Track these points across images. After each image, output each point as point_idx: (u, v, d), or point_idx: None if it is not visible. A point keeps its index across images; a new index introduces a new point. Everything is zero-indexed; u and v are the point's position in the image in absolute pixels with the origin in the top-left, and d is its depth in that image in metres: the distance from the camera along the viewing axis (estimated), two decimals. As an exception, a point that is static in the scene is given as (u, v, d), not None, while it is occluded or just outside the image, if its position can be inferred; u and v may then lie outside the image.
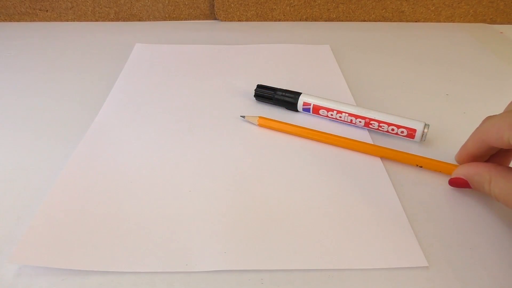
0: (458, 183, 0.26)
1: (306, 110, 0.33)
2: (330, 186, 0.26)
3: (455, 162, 0.27)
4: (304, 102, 0.33)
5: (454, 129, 0.32)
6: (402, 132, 0.30)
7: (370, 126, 0.31)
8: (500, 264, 0.22)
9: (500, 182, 0.23)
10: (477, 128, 0.25)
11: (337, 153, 0.29)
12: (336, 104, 0.32)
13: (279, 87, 0.35)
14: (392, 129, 0.30)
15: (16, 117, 0.33)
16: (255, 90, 0.35)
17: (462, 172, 0.25)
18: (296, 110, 0.34)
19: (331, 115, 0.32)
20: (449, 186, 0.26)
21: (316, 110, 0.33)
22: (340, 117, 0.32)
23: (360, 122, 0.31)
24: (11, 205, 0.25)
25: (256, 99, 0.36)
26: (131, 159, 0.28)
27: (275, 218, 0.24)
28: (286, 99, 0.34)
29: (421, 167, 0.28)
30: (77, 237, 0.22)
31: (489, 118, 0.24)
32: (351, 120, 0.31)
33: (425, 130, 0.29)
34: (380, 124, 0.30)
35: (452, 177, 0.26)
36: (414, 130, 0.29)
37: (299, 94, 0.33)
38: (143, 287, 0.20)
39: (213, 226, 0.23)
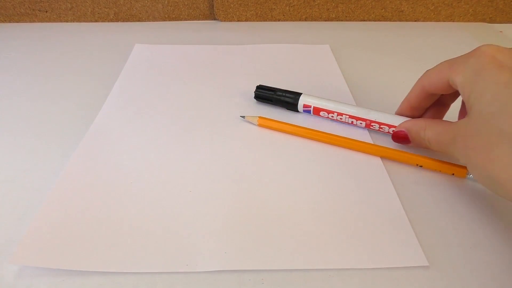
0: (399, 137, 0.28)
1: (307, 111, 0.33)
2: (330, 186, 0.26)
3: (455, 162, 0.27)
4: (304, 104, 0.33)
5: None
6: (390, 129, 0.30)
7: (371, 127, 0.31)
8: (501, 263, 0.22)
9: (433, 126, 0.26)
10: (420, 77, 0.27)
11: (337, 153, 0.29)
12: (336, 106, 0.32)
13: (279, 87, 0.35)
14: (393, 131, 0.30)
15: (15, 118, 0.33)
16: (255, 91, 0.35)
17: (403, 125, 0.28)
18: (297, 111, 0.34)
19: (332, 116, 0.32)
20: (393, 142, 0.29)
21: (316, 111, 0.33)
22: (341, 118, 0.32)
23: (361, 123, 0.31)
24: (11, 206, 0.25)
25: (256, 100, 0.35)
26: (131, 160, 0.28)
27: (275, 218, 0.24)
28: (286, 100, 0.34)
29: (421, 166, 0.28)
30: (78, 238, 0.22)
31: (429, 69, 0.26)
32: (352, 121, 0.31)
33: None
34: (381, 126, 0.30)
35: (395, 130, 0.29)
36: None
37: (299, 94, 0.33)
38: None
39: (214, 226, 0.23)
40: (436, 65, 0.26)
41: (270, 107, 0.35)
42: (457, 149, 0.23)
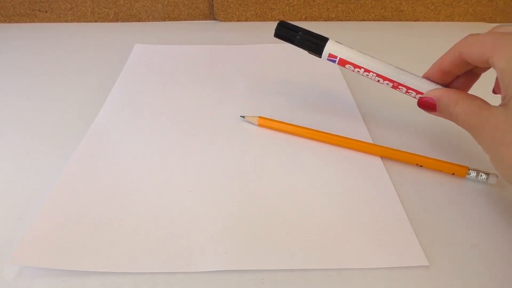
0: (426, 105, 0.27)
1: (332, 60, 0.30)
2: (330, 185, 0.26)
3: (456, 162, 0.27)
4: (330, 54, 0.30)
5: (454, 127, 0.32)
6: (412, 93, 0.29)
7: (398, 89, 0.29)
8: (501, 263, 0.22)
9: (465, 103, 0.24)
10: (459, 41, 0.25)
11: (337, 152, 0.29)
12: (366, 61, 0.29)
13: (302, 27, 0.31)
14: (421, 97, 0.28)
15: (15, 118, 0.33)
16: (276, 28, 0.31)
17: (433, 93, 0.27)
18: (320, 56, 0.31)
19: (358, 71, 0.30)
20: (418, 107, 0.27)
21: (342, 63, 0.30)
22: (367, 75, 0.30)
23: (387, 84, 0.29)
24: (12, 206, 0.25)
25: (276, 37, 0.32)
26: (131, 160, 0.28)
27: (275, 218, 0.24)
28: (309, 45, 0.30)
29: (421, 166, 0.28)
30: (78, 238, 0.22)
31: (472, 34, 0.25)
32: (378, 80, 0.29)
33: None
34: (408, 90, 0.29)
35: (423, 97, 0.27)
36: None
37: (326, 40, 0.30)
38: (144, 288, 0.20)
39: (214, 226, 0.23)
40: (480, 36, 0.24)
41: (270, 107, 0.35)
42: (484, 137, 0.22)
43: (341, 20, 0.54)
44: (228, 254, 0.22)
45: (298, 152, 0.29)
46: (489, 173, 0.26)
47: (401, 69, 0.29)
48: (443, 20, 0.54)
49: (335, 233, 0.23)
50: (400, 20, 0.54)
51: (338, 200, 0.25)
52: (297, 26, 0.31)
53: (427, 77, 0.28)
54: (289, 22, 0.31)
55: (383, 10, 0.53)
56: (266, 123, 0.32)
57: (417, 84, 0.28)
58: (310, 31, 0.31)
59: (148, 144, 0.30)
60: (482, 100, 0.24)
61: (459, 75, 0.27)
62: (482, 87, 0.28)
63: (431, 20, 0.54)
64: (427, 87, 0.28)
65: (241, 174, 0.27)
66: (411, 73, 0.29)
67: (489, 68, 0.25)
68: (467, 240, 0.23)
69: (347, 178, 0.27)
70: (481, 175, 0.26)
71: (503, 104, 0.21)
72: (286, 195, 0.26)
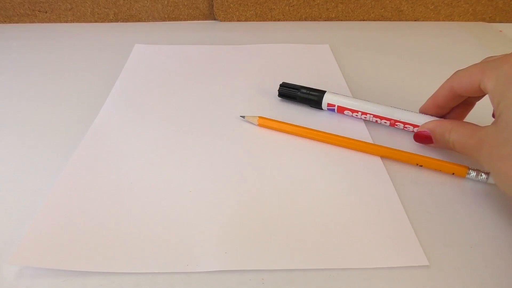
0: (422, 137, 0.28)
1: (331, 110, 0.34)
2: (330, 185, 0.26)
3: (455, 162, 0.27)
4: (328, 103, 0.33)
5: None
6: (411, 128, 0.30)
7: (395, 126, 0.31)
8: (501, 262, 0.22)
9: (459, 129, 0.26)
10: (449, 78, 0.27)
11: (337, 152, 0.29)
12: (361, 104, 0.32)
13: (302, 85, 0.35)
14: (416, 131, 0.30)
15: (15, 118, 0.33)
16: (279, 89, 0.35)
17: (427, 125, 0.28)
18: (321, 108, 0.34)
19: (356, 115, 0.32)
20: (415, 142, 0.29)
21: (340, 110, 0.33)
22: (365, 117, 0.32)
23: (385, 122, 0.31)
24: (12, 206, 0.25)
25: (280, 98, 0.36)
26: (131, 160, 0.28)
27: (275, 218, 0.24)
28: (310, 98, 0.34)
29: (421, 166, 0.28)
30: (78, 238, 0.22)
31: (460, 69, 0.26)
32: (376, 120, 0.32)
33: None
34: (406, 126, 0.30)
35: (418, 131, 0.29)
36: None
37: (323, 92, 0.33)
38: (144, 288, 0.20)
39: (214, 226, 0.23)
40: (468, 67, 0.26)
41: (269, 107, 0.35)
42: (482, 155, 0.23)
43: (341, 20, 0.54)
44: (228, 254, 0.22)
45: (298, 152, 0.29)
46: (489, 173, 0.26)
47: (395, 107, 0.31)
48: (443, 20, 0.54)
49: (335, 233, 0.23)
50: (400, 20, 0.54)
51: (338, 200, 0.25)
52: (297, 85, 0.35)
53: (423, 112, 0.30)
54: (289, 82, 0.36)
55: (383, 10, 0.53)
56: (266, 123, 0.32)
57: (412, 119, 0.30)
58: (309, 87, 0.35)
59: (148, 144, 0.30)
60: (474, 124, 0.25)
61: (453, 107, 0.29)
62: (479, 115, 0.29)
63: (431, 20, 0.54)
64: (423, 121, 0.29)
65: (241, 174, 0.27)
66: (405, 110, 0.31)
67: (483, 95, 0.26)
68: (467, 240, 0.23)
69: (347, 178, 0.27)
70: (481, 175, 0.26)
71: (495, 122, 0.23)
72: (286, 195, 0.26)
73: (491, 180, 0.26)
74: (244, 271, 0.21)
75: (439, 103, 0.28)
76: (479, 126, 0.24)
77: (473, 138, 0.24)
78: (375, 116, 0.31)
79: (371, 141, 0.30)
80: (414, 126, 0.30)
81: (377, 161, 0.29)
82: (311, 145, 0.30)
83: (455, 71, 0.27)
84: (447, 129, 0.26)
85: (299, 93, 0.34)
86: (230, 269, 0.21)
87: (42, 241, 0.22)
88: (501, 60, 0.23)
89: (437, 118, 0.29)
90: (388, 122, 0.31)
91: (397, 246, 0.22)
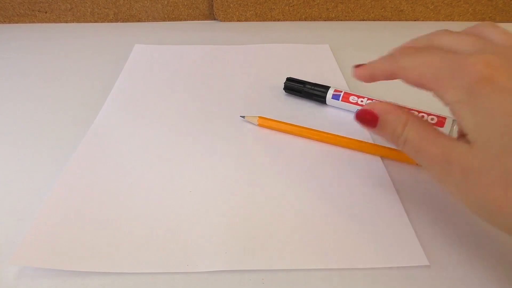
0: (366, 117, 0.22)
1: (336, 98, 0.34)
2: (330, 185, 0.26)
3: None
4: (335, 89, 0.34)
5: (454, 127, 0.32)
6: (432, 119, 0.30)
7: None
8: (501, 263, 0.22)
9: (417, 125, 0.21)
10: (391, 62, 0.23)
11: (337, 152, 0.29)
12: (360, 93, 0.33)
13: (307, 81, 0.36)
14: (422, 116, 0.30)
15: (15, 119, 0.33)
16: (285, 83, 0.36)
17: (378, 106, 0.22)
18: (325, 103, 0.35)
19: (361, 102, 0.33)
20: (354, 118, 0.23)
21: (346, 97, 0.33)
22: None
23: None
24: (12, 207, 0.25)
25: (285, 91, 0.37)
26: (131, 160, 0.28)
27: (275, 218, 0.24)
28: (315, 93, 0.35)
29: (421, 166, 0.28)
30: (78, 238, 0.22)
31: (405, 58, 0.21)
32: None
33: (454, 127, 0.29)
34: (410, 111, 0.30)
35: (364, 108, 0.23)
36: (444, 118, 0.29)
37: (328, 88, 0.35)
38: (144, 288, 0.20)
39: (214, 226, 0.23)
40: (414, 63, 0.21)
41: (269, 107, 0.35)
42: (451, 180, 0.19)
43: (341, 20, 0.54)
44: (228, 254, 0.22)
45: (298, 152, 0.29)
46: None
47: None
48: (443, 20, 0.54)
49: (335, 233, 0.23)
50: (399, 20, 0.54)
51: (338, 199, 0.25)
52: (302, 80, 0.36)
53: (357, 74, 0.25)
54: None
55: (382, 10, 0.53)
56: (266, 123, 0.32)
57: (417, 106, 0.29)
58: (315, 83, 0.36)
59: (148, 144, 0.30)
60: (435, 126, 0.21)
61: None
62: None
63: (430, 20, 0.54)
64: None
65: (241, 174, 0.27)
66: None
67: None
68: (467, 240, 0.23)
69: (347, 178, 0.27)
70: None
71: (467, 141, 0.19)
72: (286, 195, 0.26)
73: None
74: (244, 271, 0.21)
75: (375, 78, 0.24)
76: (443, 133, 0.20)
77: (436, 148, 0.19)
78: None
79: (371, 141, 0.30)
80: (419, 112, 0.30)
81: (377, 161, 0.29)
82: (311, 144, 0.30)
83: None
84: (401, 121, 0.21)
85: (304, 88, 0.35)
86: (230, 269, 0.21)
87: (42, 241, 0.22)
88: (454, 67, 0.19)
89: (388, 102, 0.23)
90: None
91: (397, 246, 0.22)
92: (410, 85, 0.22)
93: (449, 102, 0.19)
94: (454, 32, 0.22)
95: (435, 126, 0.21)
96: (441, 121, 0.29)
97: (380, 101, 0.23)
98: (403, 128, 0.21)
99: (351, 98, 0.33)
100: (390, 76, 0.23)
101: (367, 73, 0.25)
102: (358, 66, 0.25)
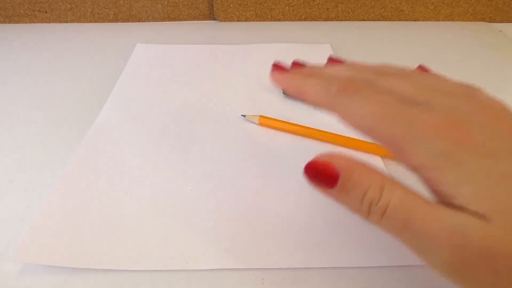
0: (320, 174, 0.17)
1: None
2: (330, 184, 0.26)
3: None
4: None
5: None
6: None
7: None
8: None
9: (399, 188, 0.16)
10: (345, 100, 0.18)
11: (338, 152, 0.29)
12: None
13: None
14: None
15: (16, 118, 0.33)
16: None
17: (341, 160, 0.17)
18: None
19: None
20: (303, 173, 0.17)
21: None
22: None
23: None
24: (14, 205, 0.25)
25: (284, 95, 0.36)
26: (132, 159, 0.28)
27: (275, 217, 0.24)
28: None
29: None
30: (79, 236, 0.23)
31: (361, 93, 0.17)
32: None
33: None
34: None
35: (317, 159, 0.17)
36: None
37: None
38: (144, 286, 0.20)
39: (214, 225, 0.23)
40: (363, 108, 0.17)
41: (269, 108, 0.35)
42: (473, 272, 0.14)
43: (341, 20, 0.54)
44: (228, 253, 0.22)
45: (299, 151, 0.29)
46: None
47: None
48: (443, 20, 0.54)
49: (335, 232, 0.23)
50: (400, 20, 0.54)
51: (339, 199, 0.25)
52: None
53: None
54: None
55: (382, 10, 0.53)
56: (267, 122, 0.32)
57: None
58: None
59: (149, 143, 0.30)
60: (427, 199, 0.16)
61: None
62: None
63: (430, 20, 0.54)
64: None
65: (241, 173, 0.27)
66: None
67: None
68: (468, 239, 0.23)
69: (347, 177, 0.27)
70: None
71: (458, 209, 0.15)
72: (286, 194, 0.26)
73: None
74: (244, 270, 0.21)
75: (302, 97, 0.19)
76: (430, 200, 0.16)
77: (438, 222, 0.15)
78: None
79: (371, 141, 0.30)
80: None
81: (377, 161, 0.29)
82: (311, 144, 0.30)
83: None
84: (375, 181, 0.16)
85: None
86: (230, 268, 0.21)
87: (44, 238, 0.22)
88: (413, 129, 0.16)
89: (349, 157, 0.17)
90: None
91: (397, 245, 0.22)
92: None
93: (418, 167, 0.16)
94: (389, 70, 0.19)
95: (421, 195, 0.16)
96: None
97: (343, 156, 0.17)
98: (380, 194, 0.16)
99: None
100: (324, 107, 0.19)
101: (290, 86, 0.20)
102: (277, 67, 0.20)
